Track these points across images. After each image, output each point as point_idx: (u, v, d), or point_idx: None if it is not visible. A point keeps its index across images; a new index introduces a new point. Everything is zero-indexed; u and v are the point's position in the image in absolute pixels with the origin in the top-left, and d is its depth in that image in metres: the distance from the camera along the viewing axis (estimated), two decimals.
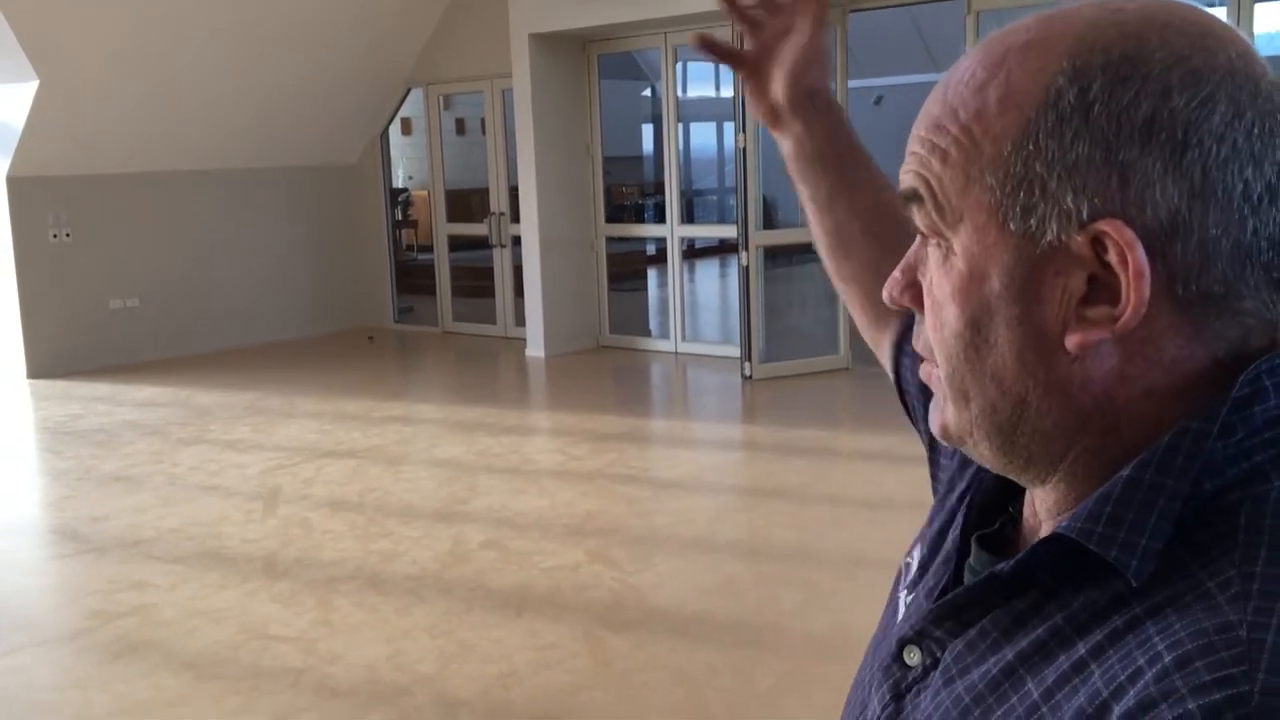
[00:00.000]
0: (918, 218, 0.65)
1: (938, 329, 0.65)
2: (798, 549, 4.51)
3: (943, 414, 0.67)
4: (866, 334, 1.10)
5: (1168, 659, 0.52)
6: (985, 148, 0.61)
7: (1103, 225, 0.57)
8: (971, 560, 0.72)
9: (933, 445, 0.90)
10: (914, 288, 0.68)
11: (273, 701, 3.33)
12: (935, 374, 0.67)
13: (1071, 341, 0.60)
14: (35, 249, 8.48)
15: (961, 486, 0.80)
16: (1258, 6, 6.41)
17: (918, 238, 0.68)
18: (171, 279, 9.25)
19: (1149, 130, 0.57)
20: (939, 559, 0.78)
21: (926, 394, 0.73)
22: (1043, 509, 0.68)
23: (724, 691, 3.34)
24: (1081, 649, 0.58)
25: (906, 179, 0.65)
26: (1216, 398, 0.59)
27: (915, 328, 0.69)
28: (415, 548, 4.61)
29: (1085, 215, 0.58)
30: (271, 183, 9.89)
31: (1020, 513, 0.73)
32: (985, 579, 0.65)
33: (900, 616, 0.79)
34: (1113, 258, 0.58)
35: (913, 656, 0.71)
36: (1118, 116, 0.57)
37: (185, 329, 9.33)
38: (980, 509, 0.75)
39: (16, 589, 4.40)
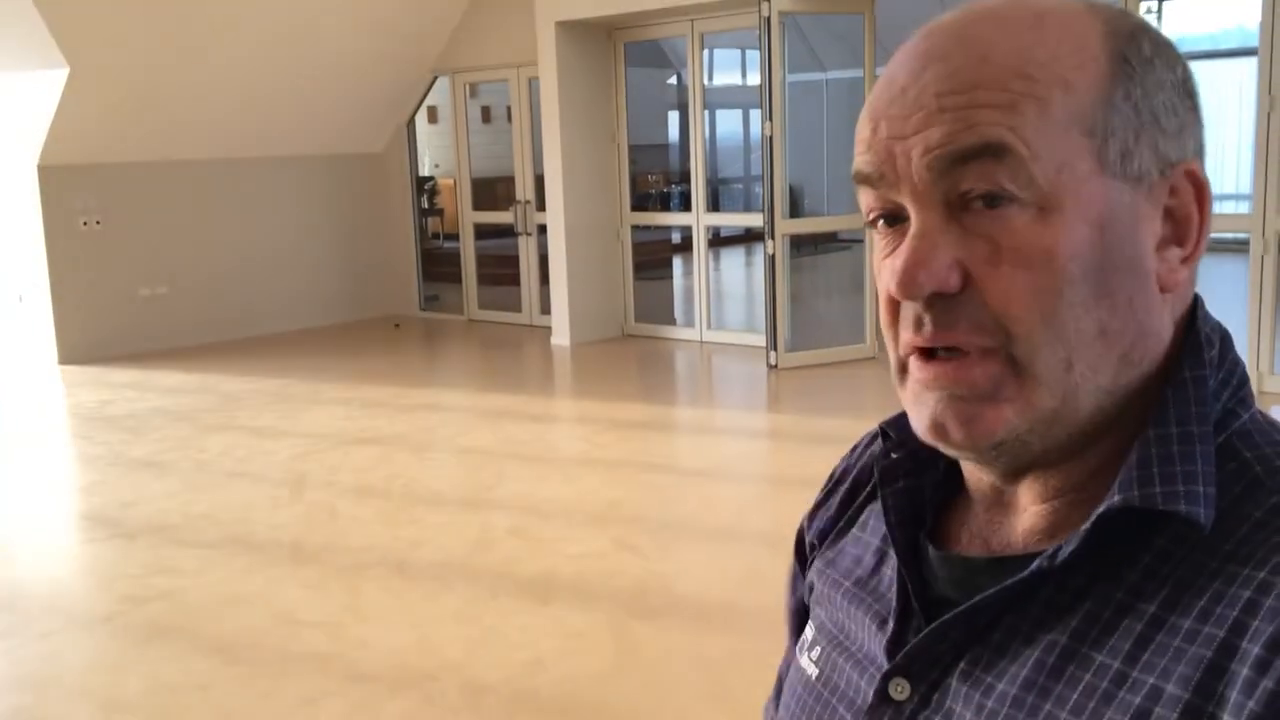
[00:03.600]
0: (987, 176, 0.59)
1: (1025, 296, 0.59)
2: None
3: (1011, 405, 0.61)
4: None
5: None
6: (1079, 95, 0.61)
7: (1189, 165, 0.63)
8: (939, 571, 0.69)
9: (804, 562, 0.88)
10: (958, 265, 0.61)
11: (300, 685, 3.36)
12: (989, 359, 0.61)
13: (1169, 280, 0.63)
14: (66, 237, 8.55)
15: (820, 543, 0.83)
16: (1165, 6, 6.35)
17: (934, 211, 0.61)
18: (200, 267, 9.31)
19: (1186, 87, 0.64)
20: (842, 596, 0.76)
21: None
22: (1054, 488, 0.65)
23: (748, 679, 3.34)
24: (1149, 607, 0.58)
25: (974, 134, 0.59)
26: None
27: (938, 315, 0.62)
28: (442, 534, 4.64)
29: (1174, 157, 0.62)
30: (298, 171, 9.94)
31: (944, 509, 0.72)
32: (1032, 575, 0.61)
33: (814, 673, 0.76)
34: (1184, 198, 0.63)
35: (900, 690, 0.67)
36: (1171, 72, 0.63)
37: (213, 316, 9.40)
38: (900, 526, 0.72)
39: (49, 573, 4.45)
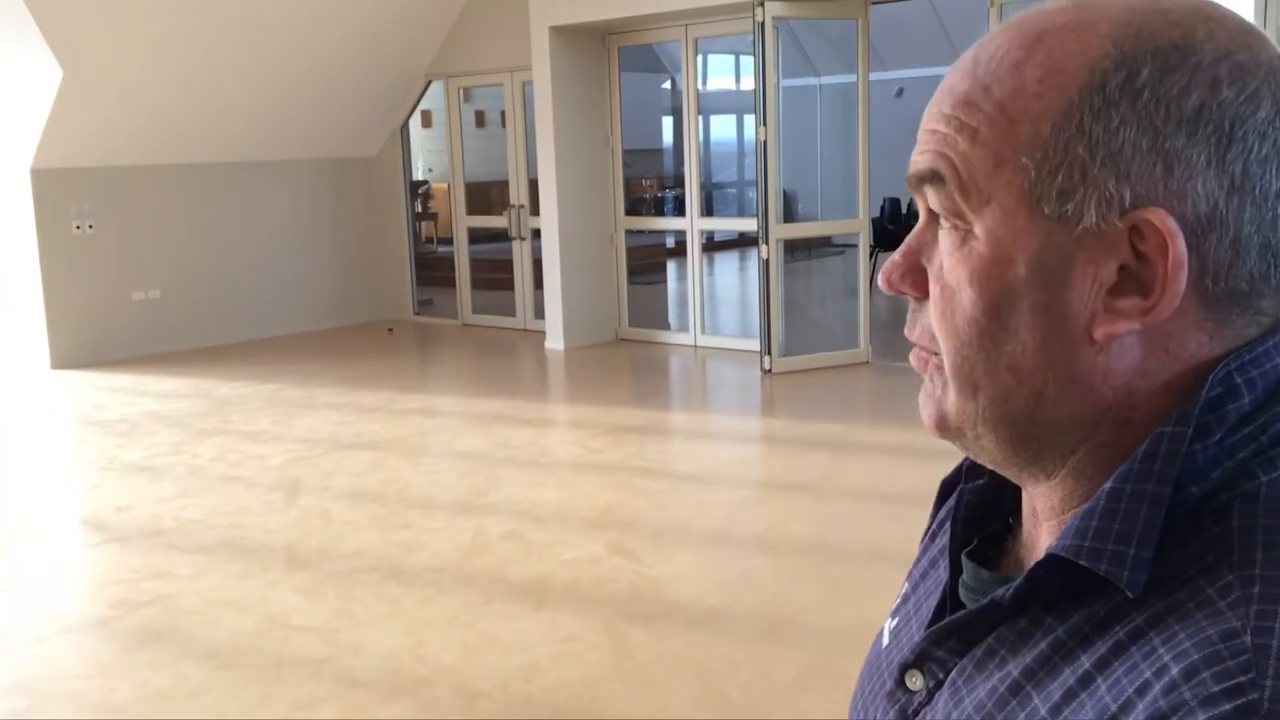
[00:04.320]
0: (933, 199, 0.63)
1: (946, 315, 0.63)
2: (817, 543, 4.51)
3: (939, 404, 0.65)
4: None
5: (1174, 670, 0.52)
6: (1022, 127, 0.59)
7: (1146, 213, 0.57)
8: (966, 577, 0.71)
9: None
10: (916, 272, 0.65)
11: (294, 691, 3.35)
12: (932, 362, 0.65)
13: (1100, 332, 0.59)
14: (59, 241, 8.54)
15: (943, 513, 0.80)
16: None
17: (921, 220, 0.66)
18: (193, 271, 9.30)
19: (1197, 121, 0.56)
20: (928, 583, 0.77)
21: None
22: (1045, 507, 0.66)
23: (743, 685, 3.35)
24: (1086, 662, 0.57)
25: (923, 159, 0.63)
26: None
27: (910, 315, 0.67)
28: (436, 539, 4.63)
29: (1128, 202, 0.57)
30: (292, 175, 9.93)
31: (1015, 519, 0.72)
32: (987, 605, 0.63)
33: (886, 643, 0.78)
34: (1150, 247, 0.57)
35: (915, 681, 0.69)
36: (1167, 104, 0.57)
37: (207, 320, 9.39)
38: (966, 525, 0.74)
39: (42, 578, 4.44)
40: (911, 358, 0.68)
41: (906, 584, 0.82)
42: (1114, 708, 0.53)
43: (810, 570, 4.24)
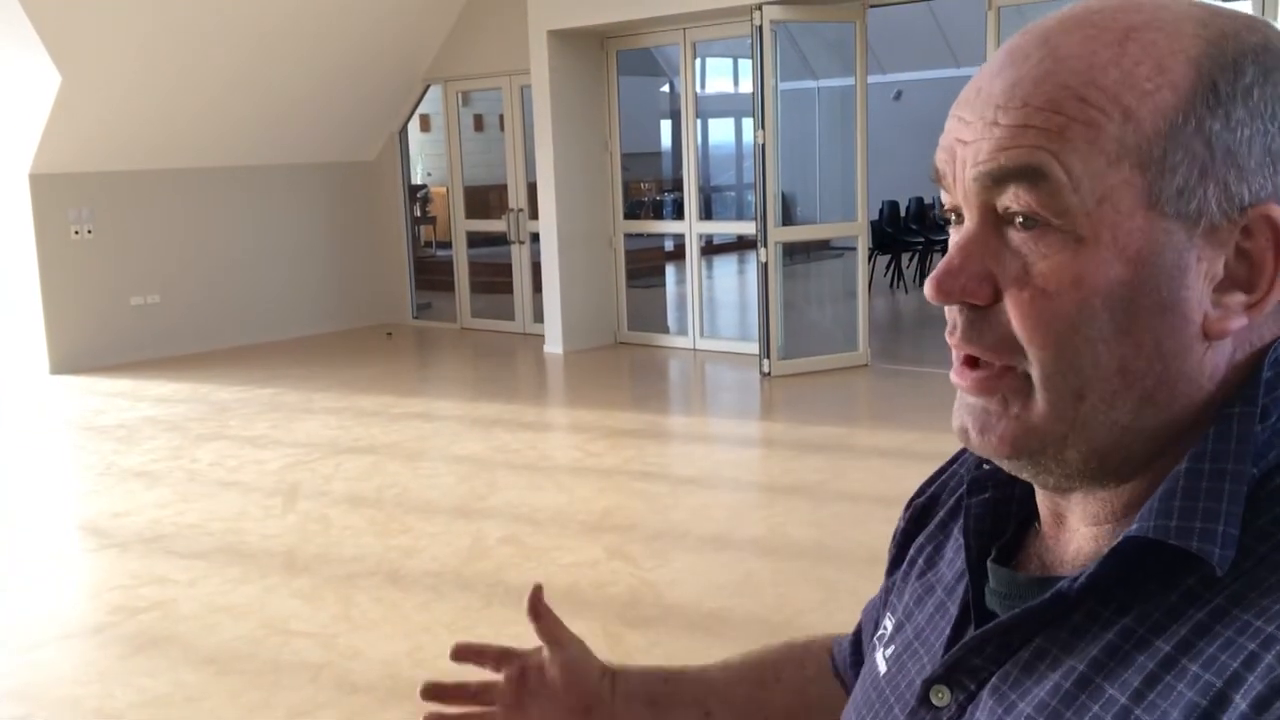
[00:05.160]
0: (1023, 198, 0.59)
1: (1044, 321, 0.60)
2: (815, 546, 4.50)
3: (1019, 422, 0.62)
4: None
5: None
6: (1139, 124, 0.58)
7: (1266, 209, 0.58)
8: (994, 584, 0.70)
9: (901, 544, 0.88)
10: (981, 279, 0.62)
11: (293, 697, 3.34)
12: (1007, 377, 0.62)
13: (1216, 328, 0.59)
14: (57, 245, 8.53)
15: (922, 540, 0.82)
16: None
17: (976, 222, 0.62)
18: (192, 275, 9.30)
19: None
20: (925, 609, 0.77)
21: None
22: (1092, 510, 0.65)
23: None
24: (1165, 647, 0.57)
25: (1016, 155, 0.59)
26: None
27: (965, 325, 0.63)
28: (434, 544, 4.63)
29: (1247, 199, 0.58)
30: (291, 180, 9.93)
31: (1023, 525, 0.72)
32: (1050, 599, 0.62)
33: (884, 670, 0.77)
34: (1259, 243, 0.58)
35: (941, 697, 0.68)
36: (1274, 103, 0.58)
37: (205, 325, 9.39)
38: (977, 536, 0.73)
39: (40, 583, 4.43)
40: (970, 379, 0.64)
41: (889, 616, 0.82)
42: (1219, 683, 0.53)
43: (809, 573, 4.24)
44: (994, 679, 0.65)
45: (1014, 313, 0.61)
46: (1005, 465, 0.65)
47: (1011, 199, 0.60)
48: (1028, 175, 0.59)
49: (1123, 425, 0.61)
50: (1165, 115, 0.57)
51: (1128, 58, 0.58)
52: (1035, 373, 0.61)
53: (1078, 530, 0.66)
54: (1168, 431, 0.61)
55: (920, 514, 0.86)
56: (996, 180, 0.60)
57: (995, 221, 0.62)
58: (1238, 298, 0.59)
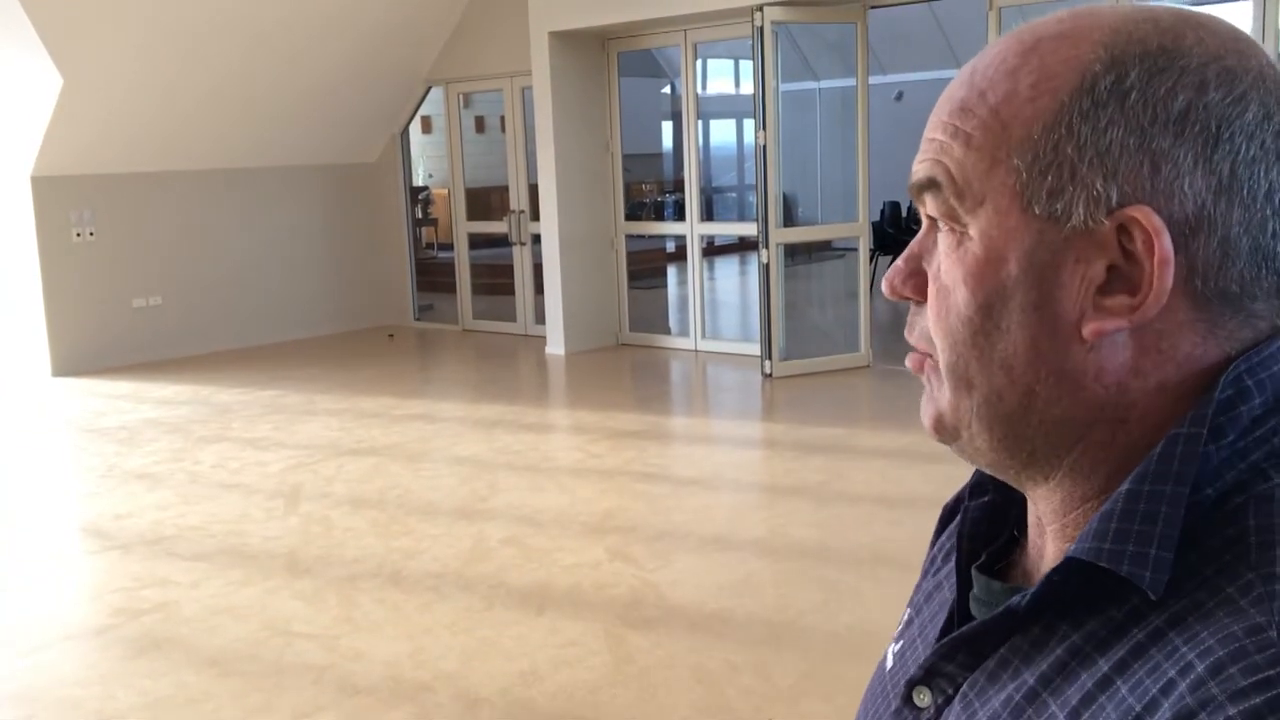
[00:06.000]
0: (931, 205, 0.65)
1: (942, 315, 0.64)
2: (817, 547, 4.50)
3: (936, 404, 0.66)
4: None
5: (1200, 667, 0.52)
6: (1014, 130, 0.60)
7: (1132, 211, 0.58)
8: (976, 590, 0.71)
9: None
10: (918, 277, 0.67)
11: (295, 698, 3.34)
12: (929, 364, 0.67)
13: (1089, 329, 0.60)
14: (59, 248, 8.54)
15: (944, 537, 0.82)
16: None
17: (923, 227, 0.67)
18: (193, 277, 9.30)
19: (1183, 121, 0.58)
20: (933, 605, 0.78)
21: None
22: (1046, 512, 0.66)
23: (744, 690, 3.34)
24: (1104, 666, 0.57)
25: (923, 168, 0.65)
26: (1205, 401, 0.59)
27: (910, 319, 0.68)
28: (436, 545, 4.63)
29: (1114, 201, 0.58)
30: (292, 181, 9.94)
31: (1020, 532, 0.73)
32: (1001, 614, 0.63)
33: (890, 666, 0.79)
34: (1138, 245, 0.58)
35: (923, 698, 0.69)
36: (1154, 105, 0.58)
37: (207, 327, 9.39)
38: (971, 539, 0.74)
39: (42, 585, 4.43)
40: (908, 360, 0.69)
41: (909, 609, 0.83)
42: (1138, 708, 0.54)
43: (811, 574, 4.24)
44: (964, 685, 0.66)
45: (927, 308, 0.66)
46: (937, 440, 0.70)
47: (930, 206, 0.65)
48: (929, 185, 0.64)
49: (1015, 418, 0.63)
50: (1039, 121, 0.60)
51: (1023, 68, 0.61)
52: (940, 362, 0.65)
53: (1048, 529, 0.67)
54: (1067, 428, 0.62)
55: (949, 512, 0.87)
56: (916, 191, 0.66)
57: (932, 226, 0.67)
58: (1121, 300, 0.59)
